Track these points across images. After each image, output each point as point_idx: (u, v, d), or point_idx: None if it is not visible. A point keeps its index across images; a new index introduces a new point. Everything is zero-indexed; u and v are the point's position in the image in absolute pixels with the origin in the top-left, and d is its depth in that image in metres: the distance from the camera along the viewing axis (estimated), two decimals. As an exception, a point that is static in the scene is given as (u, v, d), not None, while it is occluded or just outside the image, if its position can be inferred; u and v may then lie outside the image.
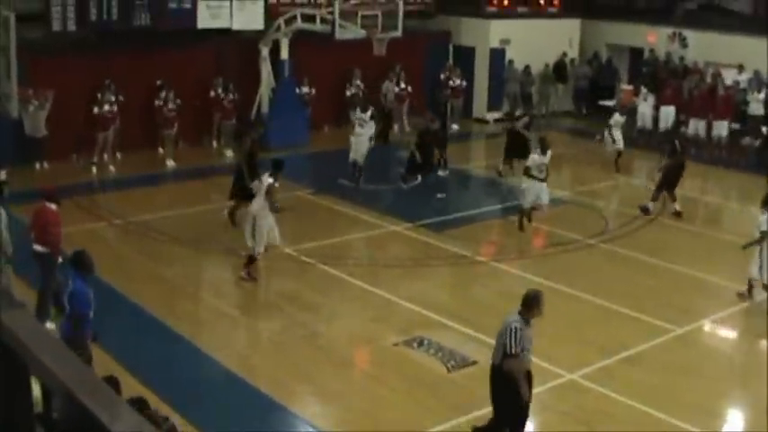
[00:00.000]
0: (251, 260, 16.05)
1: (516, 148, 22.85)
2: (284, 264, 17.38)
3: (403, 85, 28.69)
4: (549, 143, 19.53)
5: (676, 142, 21.29)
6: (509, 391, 10.09)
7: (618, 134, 24.49)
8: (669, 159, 20.78)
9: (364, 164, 22.11)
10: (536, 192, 18.97)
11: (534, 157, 19.17)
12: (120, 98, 23.49)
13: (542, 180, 18.94)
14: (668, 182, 20.55)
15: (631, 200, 21.80)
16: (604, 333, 14.39)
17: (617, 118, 24.73)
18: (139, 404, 7.73)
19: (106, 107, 23.00)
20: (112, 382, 9.49)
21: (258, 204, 15.91)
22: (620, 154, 24.46)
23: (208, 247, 17.87)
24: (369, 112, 22.12)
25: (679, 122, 27.48)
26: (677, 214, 20.50)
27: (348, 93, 27.69)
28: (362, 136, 21.96)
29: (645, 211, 20.60)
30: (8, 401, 2.77)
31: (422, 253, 18.42)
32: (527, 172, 19.11)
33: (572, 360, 13.18)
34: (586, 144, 26.55)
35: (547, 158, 19.12)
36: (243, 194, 18.29)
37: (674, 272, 17.31)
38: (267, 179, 15.90)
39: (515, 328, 9.88)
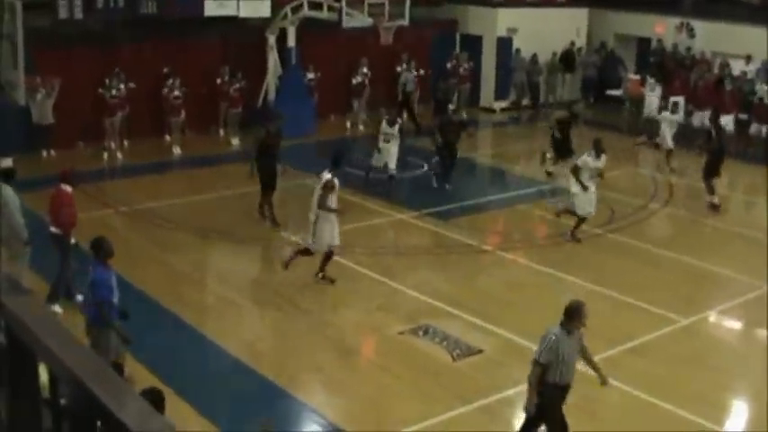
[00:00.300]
0: (304, 252, 15.57)
1: (557, 147, 22.23)
2: (289, 252, 17.40)
3: (415, 73, 28.66)
4: (605, 146, 18.02)
5: (712, 132, 21.13)
6: (540, 397, 9.92)
7: (668, 131, 23.64)
8: (707, 150, 20.68)
9: (396, 172, 21.03)
10: (587, 200, 17.75)
11: (587, 160, 17.64)
12: (131, 85, 23.55)
13: (586, 188, 17.52)
14: (710, 172, 20.40)
15: (638, 190, 21.79)
16: (610, 323, 14.37)
17: (668, 117, 23.89)
18: (152, 395, 7.70)
19: (113, 92, 23.05)
20: (116, 367, 9.52)
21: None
22: (669, 152, 23.63)
23: (214, 235, 17.89)
24: (397, 126, 20.97)
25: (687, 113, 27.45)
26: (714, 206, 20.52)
27: (354, 81, 27.66)
28: (390, 151, 20.76)
29: (714, 207, 20.43)
30: (15, 387, 2.78)
31: (428, 242, 18.45)
32: (575, 173, 17.73)
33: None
34: (593, 133, 26.41)
35: (601, 163, 17.66)
36: (262, 185, 18.37)
37: (680, 262, 17.29)
38: (326, 174, 15.16)
39: (550, 339, 9.71)
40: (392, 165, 20.80)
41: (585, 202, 17.71)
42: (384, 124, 20.97)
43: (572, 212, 18.14)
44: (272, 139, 18.71)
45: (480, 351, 13.26)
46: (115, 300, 10.96)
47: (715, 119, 23.10)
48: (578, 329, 9.96)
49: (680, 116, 24.95)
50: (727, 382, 13.04)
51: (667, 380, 12.58)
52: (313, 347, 13.41)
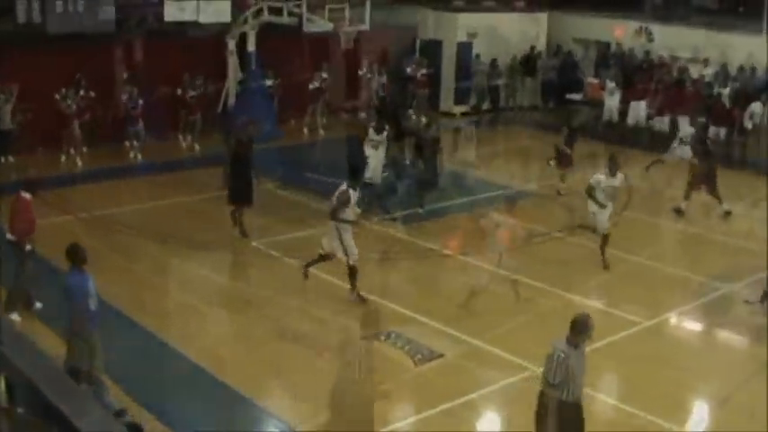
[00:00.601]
0: (353, 272, 15.19)
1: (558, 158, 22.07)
2: (251, 257, 17.35)
3: (385, 78, 28.67)
4: (620, 163, 17.06)
5: (708, 143, 21.00)
6: (550, 419, 9.42)
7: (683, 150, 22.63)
8: (701, 160, 20.39)
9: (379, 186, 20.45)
10: (605, 218, 16.93)
11: (600, 179, 16.74)
12: (92, 94, 23.30)
13: (604, 206, 16.80)
14: (702, 183, 20.14)
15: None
16: (572, 326, 14.41)
17: (686, 129, 23.13)
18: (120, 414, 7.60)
19: (69, 101, 22.78)
20: (82, 377, 9.39)
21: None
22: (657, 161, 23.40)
23: (175, 241, 17.75)
24: (384, 134, 20.22)
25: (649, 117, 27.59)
26: (728, 213, 20.40)
27: (311, 86, 27.42)
28: (375, 159, 20.04)
29: (679, 212, 20.36)
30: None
31: (389, 247, 18.40)
32: (589, 192, 16.92)
33: (539, 352, 13.15)
34: (553, 138, 26.55)
35: (618, 181, 16.67)
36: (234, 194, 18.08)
37: (642, 265, 17.42)
38: (342, 186, 14.90)
39: (558, 356, 9.22)
40: (375, 178, 20.28)
41: (604, 219, 16.97)
42: (371, 132, 20.35)
43: (591, 229, 17.48)
44: (242, 147, 18.16)
45: (442, 356, 13.26)
46: (93, 306, 10.89)
47: (705, 129, 22.93)
48: (584, 343, 9.50)
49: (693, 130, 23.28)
50: (691, 383, 13.13)
51: (630, 381, 12.69)
52: (275, 353, 13.35)
